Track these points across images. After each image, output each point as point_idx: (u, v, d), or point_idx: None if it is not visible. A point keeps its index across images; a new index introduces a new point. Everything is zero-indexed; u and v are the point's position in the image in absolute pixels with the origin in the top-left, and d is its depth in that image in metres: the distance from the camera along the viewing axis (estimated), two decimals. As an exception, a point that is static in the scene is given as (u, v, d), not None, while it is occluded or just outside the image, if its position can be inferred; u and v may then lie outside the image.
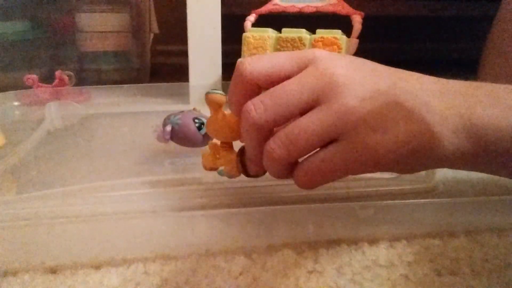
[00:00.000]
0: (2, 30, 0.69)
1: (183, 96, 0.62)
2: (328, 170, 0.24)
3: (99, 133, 0.52)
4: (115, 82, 0.76)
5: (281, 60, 0.25)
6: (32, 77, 0.59)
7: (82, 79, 0.73)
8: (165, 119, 0.40)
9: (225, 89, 0.27)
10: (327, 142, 0.24)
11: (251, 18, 0.59)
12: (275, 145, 0.24)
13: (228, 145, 0.30)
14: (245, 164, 0.28)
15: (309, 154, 0.24)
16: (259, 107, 0.24)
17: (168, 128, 0.39)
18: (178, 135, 0.39)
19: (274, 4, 0.59)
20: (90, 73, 0.78)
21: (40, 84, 0.59)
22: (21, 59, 0.72)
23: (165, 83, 0.63)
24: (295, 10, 0.58)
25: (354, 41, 0.54)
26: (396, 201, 0.30)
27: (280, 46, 0.52)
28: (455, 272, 0.27)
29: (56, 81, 0.59)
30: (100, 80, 0.77)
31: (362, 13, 0.55)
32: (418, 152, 0.22)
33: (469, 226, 0.31)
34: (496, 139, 0.22)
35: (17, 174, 0.38)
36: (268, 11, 0.59)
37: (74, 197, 0.32)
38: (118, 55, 0.80)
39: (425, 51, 1.17)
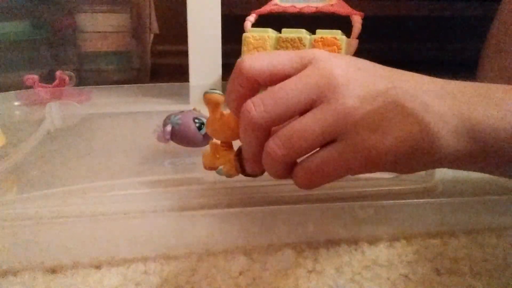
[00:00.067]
0: (2, 30, 0.69)
1: (183, 96, 0.62)
2: (328, 170, 0.24)
3: (99, 133, 0.52)
4: (115, 82, 0.77)
5: (281, 59, 0.25)
6: (32, 77, 0.59)
7: (82, 79, 0.73)
8: (165, 119, 0.40)
9: (225, 89, 0.27)
10: (327, 142, 0.24)
11: (251, 18, 0.59)
12: (275, 145, 0.24)
13: (227, 145, 0.30)
14: (243, 163, 0.28)
15: (308, 154, 0.25)
16: (259, 106, 0.24)
17: (168, 128, 0.39)
18: (178, 135, 0.39)
19: (274, 4, 0.59)
20: (90, 73, 0.78)
21: (41, 84, 0.59)
22: (22, 59, 0.72)
23: (165, 83, 0.63)
24: (295, 10, 0.58)
25: (354, 41, 0.54)
26: (396, 201, 0.30)
27: (280, 46, 0.52)
28: (455, 272, 0.27)
29: (57, 81, 0.59)
30: (100, 80, 0.78)
31: (362, 13, 0.55)
32: (417, 152, 0.22)
33: (469, 226, 0.31)
34: (494, 140, 0.22)
35: (17, 174, 0.38)
36: (268, 11, 0.59)
37: (74, 197, 0.32)
38: (118, 55, 0.80)
39: (425, 51, 1.17)
